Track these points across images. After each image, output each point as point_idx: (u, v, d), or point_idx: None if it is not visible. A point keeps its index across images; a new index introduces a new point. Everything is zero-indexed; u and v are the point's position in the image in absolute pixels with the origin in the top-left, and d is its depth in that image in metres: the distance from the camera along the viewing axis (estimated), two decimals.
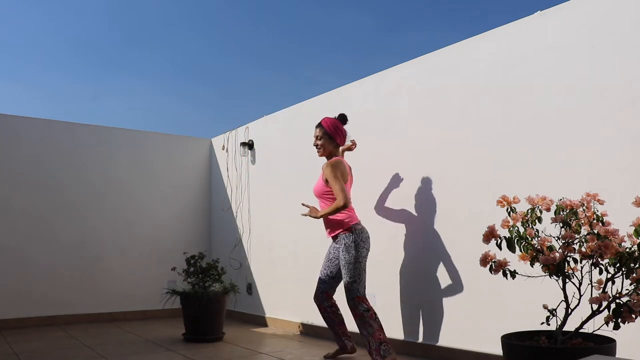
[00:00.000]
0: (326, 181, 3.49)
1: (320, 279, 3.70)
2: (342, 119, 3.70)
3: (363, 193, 4.18)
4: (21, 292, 5.21)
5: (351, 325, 3.67)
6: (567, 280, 2.31)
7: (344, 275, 3.42)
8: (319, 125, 3.64)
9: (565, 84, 2.98)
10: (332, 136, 3.59)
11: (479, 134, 3.42)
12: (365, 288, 3.46)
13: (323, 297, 3.67)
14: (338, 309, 3.72)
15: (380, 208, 4.05)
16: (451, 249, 3.52)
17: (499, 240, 2.39)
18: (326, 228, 3.59)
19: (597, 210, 2.31)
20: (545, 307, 2.40)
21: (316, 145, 3.65)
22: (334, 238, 3.55)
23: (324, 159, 3.70)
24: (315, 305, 3.75)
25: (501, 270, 2.38)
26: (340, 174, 3.45)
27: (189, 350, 4.03)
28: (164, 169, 6.15)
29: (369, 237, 3.51)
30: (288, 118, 5.20)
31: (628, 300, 2.11)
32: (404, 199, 3.90)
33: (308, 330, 4.68)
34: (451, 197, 3.56)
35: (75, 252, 5.54)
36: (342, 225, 3.46)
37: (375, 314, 3.38)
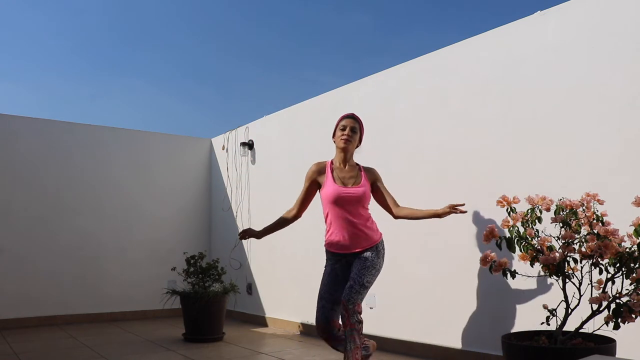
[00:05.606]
0: (373, 186, 3.05)
1: (333, 301, 2.92)
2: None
3: None
4: (21, 293, 5.21)
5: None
6: (567, 280, 2.31)
7: (363, 275, 2.83)
8: (355, 117, 3.04)
9: (565, 83, 2.98)
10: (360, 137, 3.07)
11: (479, 134, 3.41)
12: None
13: (334, 325, 2.91)
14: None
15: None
16: (451, 249, 3.52)
17: (499, 240, 2.39)
18: (360, 240, 2.90)
19: (597, 210, 2.31)
20: (545, 307, 2.40)
21: (349, 136, 2.98)
22: (359, 252, 2.90)
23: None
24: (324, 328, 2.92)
25: (501, 270, 2.38)
26: None
27: (189, 350, 4.03)
28: (164, 169, 6.15)
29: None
30: (288, 118, 5.20)
31: (628, 300, 2.11)
32: (403, 199, 3.89)
33: (308, 330, 4.67)
34: (451, 197, 3.55)
35: (75, 252, 5.54)
36: (377, 235, 3.00)
37: (362, 329, 2.84)
